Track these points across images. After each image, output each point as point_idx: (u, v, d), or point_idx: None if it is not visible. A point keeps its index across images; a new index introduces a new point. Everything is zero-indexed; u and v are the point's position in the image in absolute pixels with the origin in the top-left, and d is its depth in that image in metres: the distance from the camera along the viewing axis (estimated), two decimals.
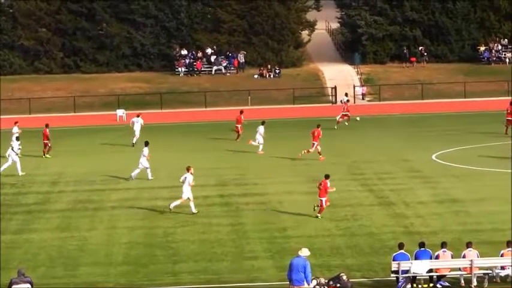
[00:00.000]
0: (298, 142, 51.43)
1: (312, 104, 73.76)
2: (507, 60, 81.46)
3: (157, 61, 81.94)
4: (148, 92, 76.61)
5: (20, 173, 42.99)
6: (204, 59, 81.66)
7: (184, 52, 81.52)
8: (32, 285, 23.04)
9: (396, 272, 24.84)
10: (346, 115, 58.34)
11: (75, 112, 72.51)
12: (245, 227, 32.25)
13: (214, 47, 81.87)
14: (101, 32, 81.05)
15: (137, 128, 52.61)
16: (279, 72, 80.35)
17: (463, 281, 25.15)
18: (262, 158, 47.12)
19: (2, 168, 43.35)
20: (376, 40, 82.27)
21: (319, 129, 45.62)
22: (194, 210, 34.06)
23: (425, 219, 32.52)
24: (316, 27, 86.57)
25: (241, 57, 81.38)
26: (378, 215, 33.47)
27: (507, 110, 53.38)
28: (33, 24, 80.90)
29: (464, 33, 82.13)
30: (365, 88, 76.79)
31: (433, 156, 45.86)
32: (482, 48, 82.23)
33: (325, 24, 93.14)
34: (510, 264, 24.99)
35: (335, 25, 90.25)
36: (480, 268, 25.04)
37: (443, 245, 25.40)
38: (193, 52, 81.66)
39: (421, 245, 25.29)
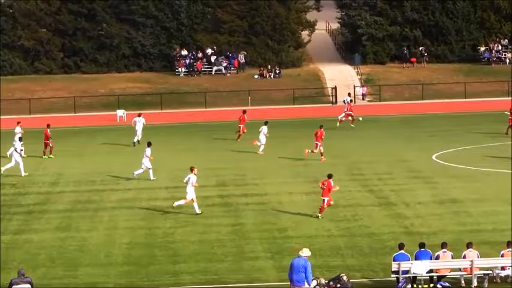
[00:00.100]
0: (298, 142, 51.44)
1: (312, 105, 73.78)
2: (507, 60, 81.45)
3: (158, 61, 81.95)
4: (149, 93, 76.61)
5: (23, 174, 42.98)
6: (204, 60, 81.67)
7: (184, 52, 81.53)
8: (32, 286, 23.03)
9: (396, 272, 24.83)
10: (349, 115, 58.41)
11: (75, 112, 72.52)
12: (245, 227, 32.25)
13: (215, 47, 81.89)
14: (101, 32, 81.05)
15: (139, 128, 52.64)
16: (279, 72, 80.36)
17: (463, 282, 25.14)
18: (263, 158, 47.12)
19: (3, 168, 43.32)
20: (376, 40, 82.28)
21: (321, 129, 45.64)
22: (198, 211, 34.03)
23: (426, 220, 32.52)
24: (316, 27, 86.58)
25: (241, 58, 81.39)
26: (378, 215, 33.47)
27: (510, 111, 53.29)
28: (33, 25, 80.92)
29: (465, 34, 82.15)
30: (365, 88, 76.80)
31: (433, 157, 45.85)
32: (482, 49, 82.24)
33: (325, 24, 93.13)
34: (510, 265, 24.98)
35: (335, 25, 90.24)
36: (480, 268, 25.03)
37: (444, 245, 25.40)
38: (194, 52, 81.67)
39: (421, 245, 25.28)
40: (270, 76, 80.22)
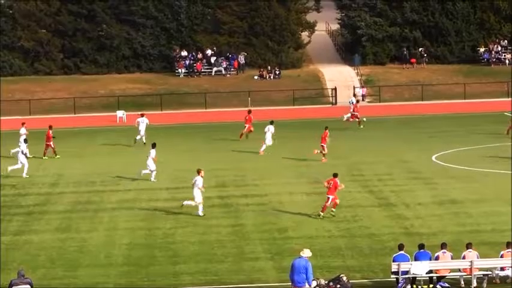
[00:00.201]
0: (298, 143, 51.50)
1: (312, 105, 73.83)
2: (507, 61, 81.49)
3: (157, 62, 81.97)
4: (149, 93, 76.64)
5: (25, 176, 42.98)
6: (204, 60, 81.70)
7: (184, 53, 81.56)
8: (31, 287, 23.03)
9: (396, 273, 24.85)
10: (355, 116, 58.69)
11: (75, 113, 72.54)
12: (245, 228, 32.27)
13: (214, 48, 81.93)
14: (101, 33, 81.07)
15: (142, 128, 52.68)
16: (279, 73, 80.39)
17: (462, 282, 25.16)
18: (263, 159, 47.14)
19: (10, 169, 43.34)
20: (376, 41, 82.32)
21: (326, 131, 45.79)
22: (201, 213, 34.01)
23: (425, 220, 32.54)
24: (316, 28, 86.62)
25: (241, 59, 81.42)
26: (378, 216, 33.49)
27: None
28: (33, 26, 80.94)
29: (464, 35, 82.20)
30: (365, 89, 76.82)
31: (433, 158, 45.88)
32: (482, 50, 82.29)
33: (325, 25, 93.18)
34: (510, 266, 25.00)
35: (335, 26, 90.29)
36: (480, 269, 25.06)
37: (443, 246, 25.41)
38: (193, 53, 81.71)
39: (421, 246, 25.31)
40: (269, 77, 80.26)
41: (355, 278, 25.57)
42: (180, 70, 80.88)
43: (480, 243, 27.84)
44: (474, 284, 24.92)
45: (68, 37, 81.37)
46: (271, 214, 34.23)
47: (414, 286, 25.07)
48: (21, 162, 43.38)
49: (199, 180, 33.98)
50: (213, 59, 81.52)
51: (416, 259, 24.98)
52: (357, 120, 58.52)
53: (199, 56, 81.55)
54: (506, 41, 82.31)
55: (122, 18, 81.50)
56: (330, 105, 74.24)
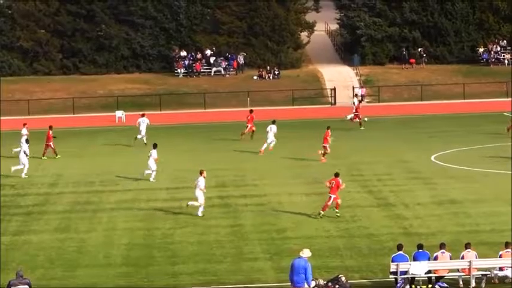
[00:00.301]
0: (297, 143, 51.50)
1: (311, 105, 73.84)
2: (506, 61, 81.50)
3: (157, 62, 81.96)
4: (148, 94, 76.63)
5: (24, 176, 42.97)
6: (203, 61, 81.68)
7: (183, 53, 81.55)
8: (30, 287, 23.02)
9: (395, 273, 24.85)
10: (357, 116, 58.88)
11: (74, 113, 72.53)
12: (244, 228, 32.27)
13: (214, 48, 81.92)
14: (100, 33, 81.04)
15: (143, 128, 52.73)
16: (278, 73, 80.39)
17: (461, 282, 25.16)
18: (262, 159, 47.13)
19: (13, 169, 43.34)
20: (375, 41, 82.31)
21: (327, 130, 45.83)
22: (200, 213, 34.00)
23: (424, 221, 32.54)
24: (315, 28, 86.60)
25: (240, 59, 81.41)
26: (377, 216, 33.49)
27: None
28: (32, 26, 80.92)
29: (463, 35, 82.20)
30: (364, 89, 76.82)
31: (432, 158, 45.88)
32: (481, 50, 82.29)
33: (324, 25, 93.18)
34: (508, 266, 25.00)
35: (334, 26, 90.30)
36: (479, 269, 25.06)
37: (442, 246, 25.41)
38: (193, 53, 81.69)
39: (420, 246, 25.31)
40: (269, 77, 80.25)
41: (353, 278, 25.57)
42: (179, 70, 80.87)
43: (479, 243, 27.84)
44: (473, 284, 24.92)
45: (66, 37, 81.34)
46: (270, 214, 34.23)
47: (413, 286, 25.06)
48: (22, 162, 43.40)
49: (201, 181, 33.99)
50: (212, 59, 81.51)
51: (415, 259, 24.98)
52: (358, 120, 58.62)
53: (199, 56, 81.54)
54: (505, 41, 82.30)
55: (121, 19, 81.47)
56: (329, 106, 74.25)
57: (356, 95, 66.90)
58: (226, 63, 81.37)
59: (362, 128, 58.09)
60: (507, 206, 33.85)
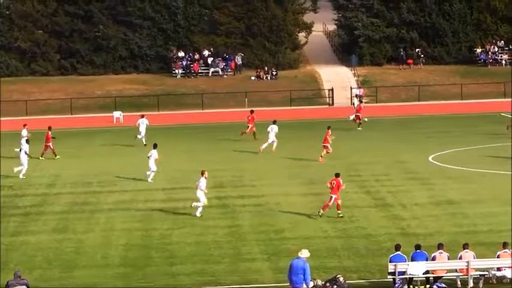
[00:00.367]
0: (295, 144, 51.49)
1: (309, 106, 73.86)
2: (503, 62, 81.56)
3: (154, 63, 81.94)
4: (145, 94, 76.61)
5: (21, 177, 42.95)
6: (201, 61, 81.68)
7: (181, 54, 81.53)
8: None
9: (393, 273, 24.86)
10: (358, 116, 59.06)
11: (71, 114, 72.51)
12: (242, 228, 32.27)
13: (211, 49, 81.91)
14: (98, 34, 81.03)
15: (143, 129, 52.79)
16: (276, 74, 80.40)
17: (459, 283, 25.18)
18: (260, 159, 47.13)
19: (16, 170, 43.31)
20: (373, 42, 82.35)
21: (328, 130, 45.88)
22: (198, 214, 34.00)
23: (422, 221, 32.55)
24: (313, 29, 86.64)
25: (238, 59, 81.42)
26: (375, 216, 33.50)
27: None
28: (29, 26, 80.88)
29: (461, 35, 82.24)
30: (362, 90, 76.86)
31: (430, 158, 45.90)
32: (478, 50, 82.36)
33: (322, 26, 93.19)
34: (506, 266, 25.02)
35: (332, 27, 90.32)
36: (476, 269, 25.09)
37: (440, 246, 25.43)
38: (190, 54, 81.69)
39: (417, 247, 25.32)
40: (266, 78, 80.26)
41: (351, 279, 25.58)
42: (177, 71, 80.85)
43: (477, 244, 27.86)
44: (471, 284, 24.93)
45: (64, 38, 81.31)
46: (268, 215, 34.23)
47: (411, 287, 25.08)
48: (21, 163, 43.40)
49: (202, 181, 34.02)
50: (210, 60, 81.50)
51: (413, 259, 25.00)
52: (358, 121, 58.80)
53: (196, 56, 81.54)
54: (502, 41, 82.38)
55: (118, 19, 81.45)
56: (327, 106, 74.26)
57: (357, 96, 67.09)
58: (224, 63, 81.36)
59: (359, 129, 58.17)
60: (505, 207, 33.87)
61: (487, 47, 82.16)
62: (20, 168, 43.29)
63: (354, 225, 32.15)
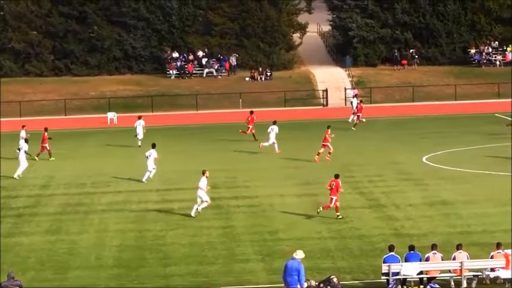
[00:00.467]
0: (289, 144, 51.46)
1: (303, 107, 73.84)
2: (497, 62, 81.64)
3: (149, 64, 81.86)
4: (140, 95, 76.53)
5: (16, 177, 42.85)
6: (196, 62, 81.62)
7: (175, 55, 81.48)
8: None
9: (386, 274, 24.87)
10: (358, 116, 59.16)
11: (65, 115, 72.41)
12: (236, 229, 32.26)
13: (206, 49, 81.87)
14: (92, 34, 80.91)
15: (140, 131, 52.80)
16: (270, 74, 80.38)
17: (453, 283, 25.19)
18: (254, 160, 47.12)
19: (18, 172, 43.28)
20: (367, 43, 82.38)
21: (327, 130, 45.92)
22: (193, 214, 33.97)
23: (416, 222, 32.57)
24: (307, 29, 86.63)
25: (232, 60, 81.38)
26: (368, 217, 33.51)
27: None
28: (24, 27, 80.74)
29: (455, 36, 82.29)
30: (356, 90, 76.87)
31: (424, 159, 45.93)
32: (473, 51, 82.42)
33: (316, 26, 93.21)
34: (500, 267, 25.04)
35: (326, 28, 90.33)
36: (470, 270, 25.10)
37: (434, 247, 25.45)
38: (185, 55, 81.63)
39: (411, 248, 25.33)
40: (261, 78, 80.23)
41: (345, 280, 25.58)
42: (171, 71, 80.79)
43: (470, 244, 27.89)
44: (464, 284, 24.95)
45: (58, 38, 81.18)
46: (262, 216, 34.23)
47: (405, 287, 25.09)
48: (22, 164, 43.38)
49: (203, 181, 34.03)
50: (204, 61, 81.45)
51: (406, 260, 25.00)
52: (356, 121, 58.97)
53: (191, 57, 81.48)
54: (497, 42, 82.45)
55: (113, 20, 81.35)
56: (321, 107, 74.28)
57: (356, 96, 67.15)
58: (218, 64, 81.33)
59: (353, 129, 58.20)
60: (498, 207, 33.92)
61: (481, 47, 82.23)
62: (20, 168, 43.24)
63: (348, 226, 32.16)
